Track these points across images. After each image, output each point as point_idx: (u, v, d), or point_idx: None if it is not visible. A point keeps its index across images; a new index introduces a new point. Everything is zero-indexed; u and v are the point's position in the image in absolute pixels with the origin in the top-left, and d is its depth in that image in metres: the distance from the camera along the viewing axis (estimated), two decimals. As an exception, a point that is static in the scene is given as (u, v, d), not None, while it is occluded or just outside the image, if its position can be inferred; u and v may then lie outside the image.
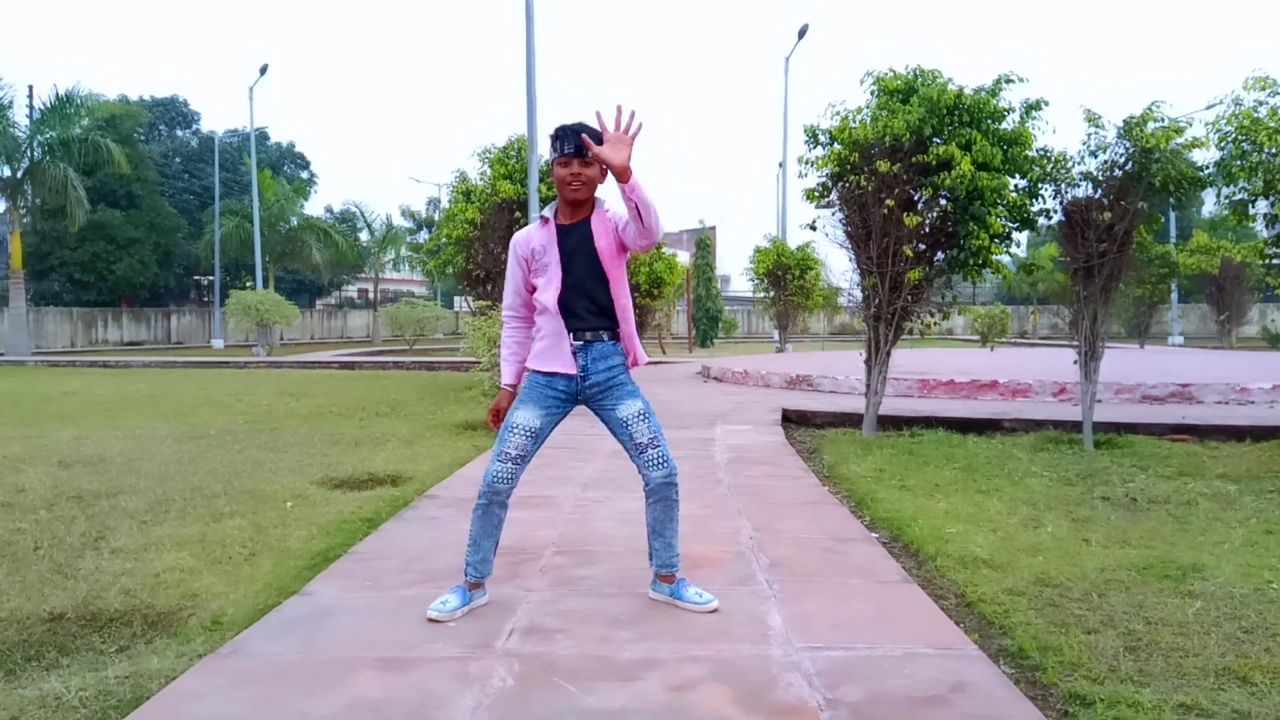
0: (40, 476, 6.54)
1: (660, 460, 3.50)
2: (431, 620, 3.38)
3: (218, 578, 4.06)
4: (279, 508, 5.49)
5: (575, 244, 3.44)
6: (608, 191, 3.47)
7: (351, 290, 59.96)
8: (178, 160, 45.87)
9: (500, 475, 3.43)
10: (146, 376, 18.90)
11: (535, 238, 3.51)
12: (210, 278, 39.17)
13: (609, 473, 6.36)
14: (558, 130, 3.36)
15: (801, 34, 28.58)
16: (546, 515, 5.12)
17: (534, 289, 3.53)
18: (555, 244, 3.46)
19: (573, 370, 3.45)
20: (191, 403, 12.35)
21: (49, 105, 27.77)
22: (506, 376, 3.63)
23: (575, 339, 3.45)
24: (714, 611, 3.46)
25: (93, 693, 2.84)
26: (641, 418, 3.47)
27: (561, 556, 4.30)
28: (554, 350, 3.48)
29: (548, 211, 3.51)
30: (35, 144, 27.83)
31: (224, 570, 4.19)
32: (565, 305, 3.45)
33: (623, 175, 3.12)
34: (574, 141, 3.30)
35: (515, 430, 3.44)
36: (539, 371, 3.50)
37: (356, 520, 5.11)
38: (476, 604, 3.53)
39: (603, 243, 3.42)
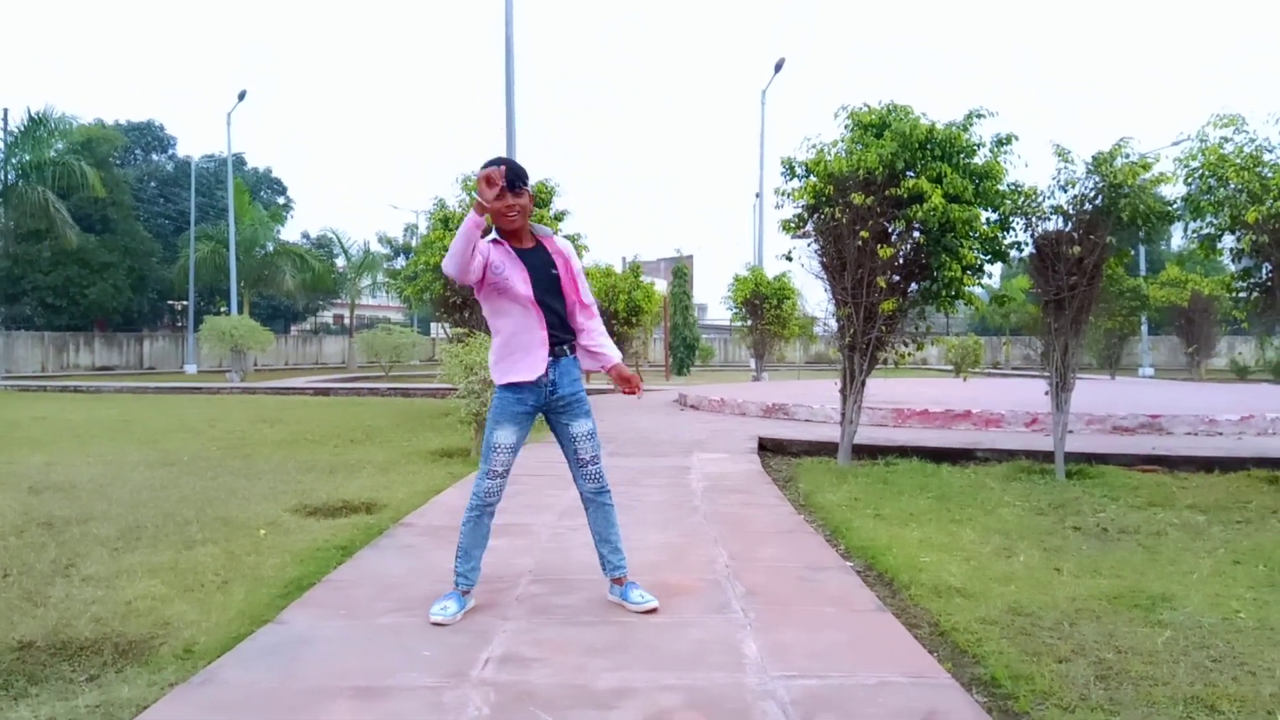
0: (9, 502, 6.45)
1: (597, 475, 3.94)
2: (436, 624, 3.64)
3: (190, 606, 4.03)
4: (252, 535, 5.44)
5: (537, 265, 3.74)
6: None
7: (327, 316, 59.59)
8: (153, 185, 45.58)
9: (491, 490, 3.83)
10: (118, 402, 18.69)
11: (490, 252, 3.69)
12: (184, 303, 38.86)
13: (586, 501, 6.34)
14: (489, 164, 3.60)
15: (778, 68, 28.99)
16: (524, 543, 5.11)
17: (485, 281, 3.70)
18: (518, 262, 3.70)
19: (543, 372, 3.74)
20: (164, 429, 12.23)
21: (22, 128, 27.61)
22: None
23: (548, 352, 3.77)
24: (652, 611, 3.80)
25: (62, 722, 2.81)
26: (589, 437, 3.90)
27: (538, 585, 4.29)
28: (524, 357, 3.74)
29: (495, 235, 3.75)
30: (9, 167, 27.63)
31: (196, 598, 4.15)
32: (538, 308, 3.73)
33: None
34: (507, 176, 3.57)
35: (499, 450, 3.81)
36: (510, 385, 3.77)
37: (331, 548, 5.07)
38: (468, 608, 3.82)
39: (561, 270, 3.78)
